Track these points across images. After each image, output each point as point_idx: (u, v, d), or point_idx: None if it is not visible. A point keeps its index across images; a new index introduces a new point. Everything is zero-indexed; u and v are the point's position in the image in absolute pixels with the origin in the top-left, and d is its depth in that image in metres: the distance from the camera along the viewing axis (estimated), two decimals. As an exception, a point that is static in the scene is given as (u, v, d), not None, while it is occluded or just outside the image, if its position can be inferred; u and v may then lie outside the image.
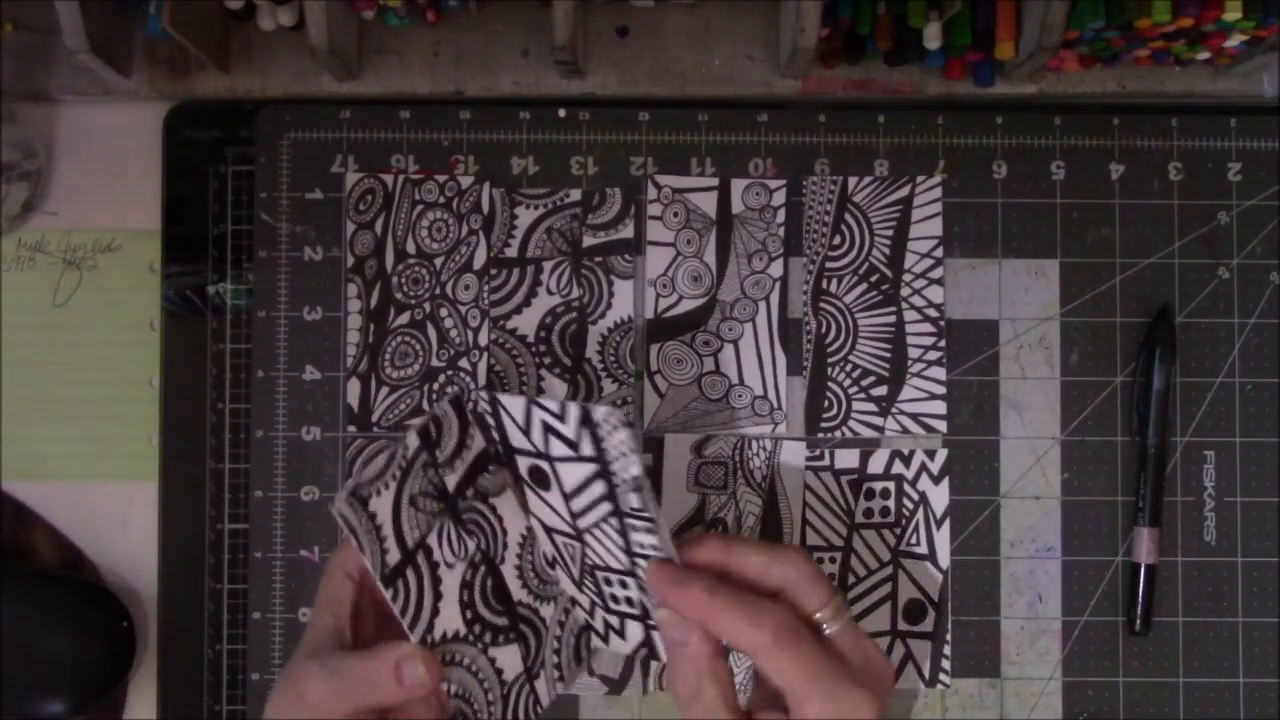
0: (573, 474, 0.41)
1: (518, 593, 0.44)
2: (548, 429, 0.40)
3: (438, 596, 0.41)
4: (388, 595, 0.39)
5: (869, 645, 0.40)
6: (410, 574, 0.40)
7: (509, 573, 0.44)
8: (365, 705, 0.40)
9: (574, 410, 0.38)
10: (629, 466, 0.38)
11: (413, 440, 0.41)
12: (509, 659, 0.43)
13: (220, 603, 0.52)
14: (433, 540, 0.41)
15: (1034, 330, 0.53)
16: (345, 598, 0.42)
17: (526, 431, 0.41)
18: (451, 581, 0.42)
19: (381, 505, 0.40)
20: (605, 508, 0.41)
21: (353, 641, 0.42)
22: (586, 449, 0.39)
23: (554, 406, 0.39)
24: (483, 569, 0.43)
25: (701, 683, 0.39)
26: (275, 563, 0.51)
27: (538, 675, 0.44)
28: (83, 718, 0.50)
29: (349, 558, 0.42)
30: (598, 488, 0.40)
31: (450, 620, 0.41)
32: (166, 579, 0.52)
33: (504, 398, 0.41)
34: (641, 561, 0.40)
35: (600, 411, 0.38)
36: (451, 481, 0.42)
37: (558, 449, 0.41)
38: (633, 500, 0.39)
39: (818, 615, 0.40)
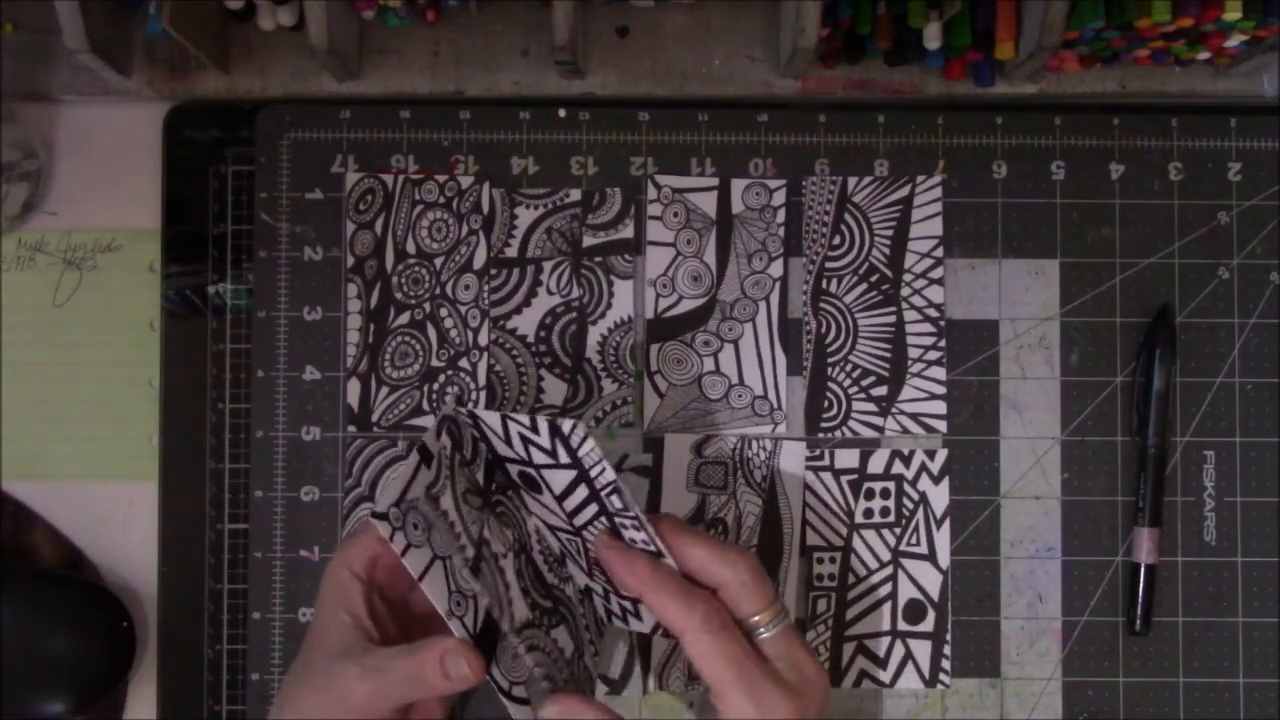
0: (557, 479, 0.42)
1: (548, 576, 0.45)
2: (525, 440, 0.41)
3: (507, 586, 0.42)
4: (478, 586, 0.40)
5: (804, 657, 0.41)
6: (485, 568, 0.41)
7: (537, 558, 0.45)
8: (410, 700, 0.40)
9: (543, 424, 0.40)
10: (603, 473, 0.39)
11: (446, 440, 0.41)
12: (564, 639, 0.44)
13: (220, 603, 0.52)
14: (486, 534, 0.42)
15: (1034, 330, 0.53)
16: (357, 596, 0.41)
17: (508, 442, 0.42)
18: (510, 571, 0.42)
19: (448, 504, 0.40)
20: (594, 508, 0.41)
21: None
22: (563, 457, 0.40)
23: (525, 420, 0.40)
24: (523, 557, 0.44)
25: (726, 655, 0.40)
26: (275, 563, 0.51)
27: (583, 653, 0.45)
28: (83, 718, 0.50)
29: (353, 556, 0.42)
30: (582, 490, 0.41)
31: (520, 609, 0.42)
32: (166, 579, 0.52)
33: (481, 412, 0.41)
34: (637, 536, 0.41)
35: (566, 425, 0.39)
36: (480, 477, 0.43)
37: (539, 457, 0.41)
38: (615, 501, 0.40)
39: (753, 619, 0.41)
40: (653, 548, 0.41)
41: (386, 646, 0.41)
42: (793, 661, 0.41)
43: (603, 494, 0.41)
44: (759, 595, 0.41)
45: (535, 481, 0.43)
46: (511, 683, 0.41)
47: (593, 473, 0.40)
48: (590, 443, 0.39)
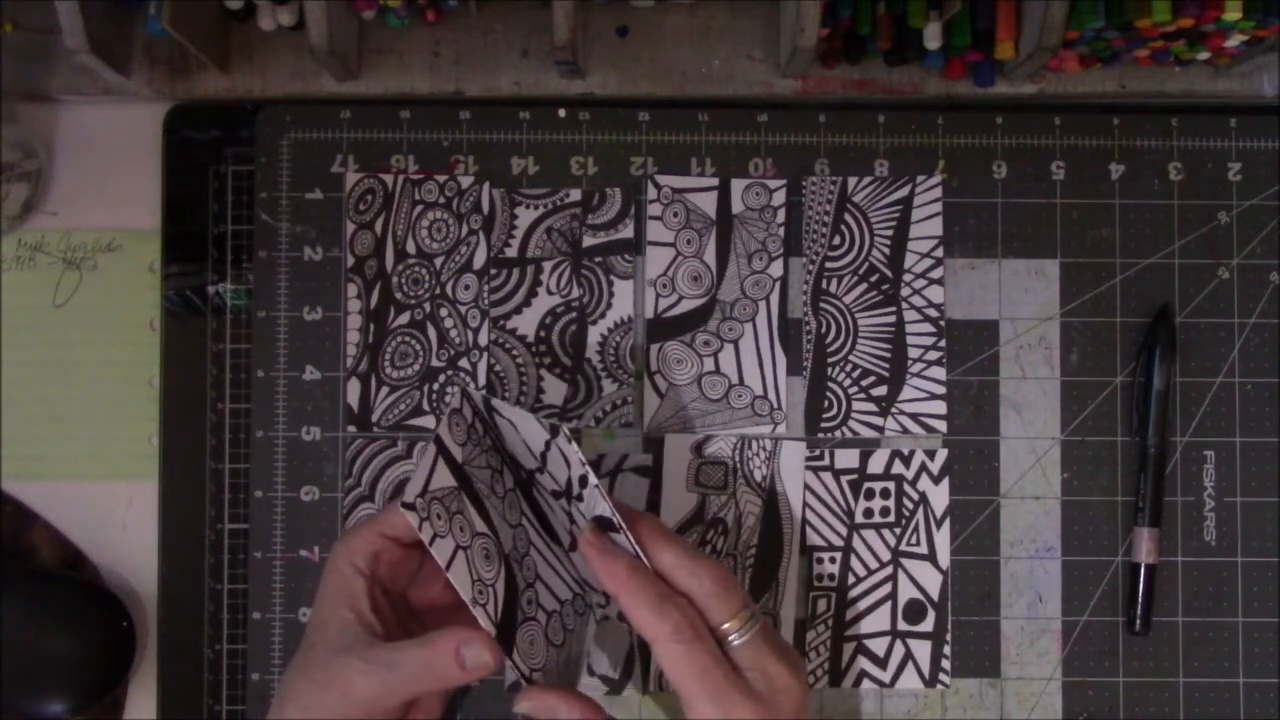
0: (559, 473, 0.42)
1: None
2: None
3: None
4: (496, 568, 0.42)
5: (775, 665, 0.41)
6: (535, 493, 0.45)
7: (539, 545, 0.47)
8: (420, 692, 0.40)
9: (542, 425, 0.41)
10: (587, 471, 0.40)
11: (468, 409, 0.43)
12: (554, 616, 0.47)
13: (220, 603, 0.52)
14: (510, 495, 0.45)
15: (1034, 330, 0.52)
16: (359, 591, 0.41)
17: (515, 427, 0.42)
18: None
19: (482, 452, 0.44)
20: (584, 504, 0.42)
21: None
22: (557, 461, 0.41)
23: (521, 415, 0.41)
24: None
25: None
26: (275, 563, 0.51)
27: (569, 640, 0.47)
28: (83, 718, 0.50)
29: (356, 550, 0.42)
30: (576, 487, 0.42)
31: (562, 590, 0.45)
32: (166, 579, 0.52)
33: (497, 403, 0.42)
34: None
35: (558, 428, 0.41)
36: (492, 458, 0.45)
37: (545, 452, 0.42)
38: (600, 504, 0.41)
39: (724, 627, 0.41)
40: (631, 548, 0.41)
41: (391, 641, 0.41)
42: (763, 670, 0.40)
43: (586, 489, 0.41)
44: (726, 604, 0.41)
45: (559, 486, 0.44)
46: (531, 669, 0.41)
47: (584, 476, 0.41)
48: (573, 446, 0.40)
